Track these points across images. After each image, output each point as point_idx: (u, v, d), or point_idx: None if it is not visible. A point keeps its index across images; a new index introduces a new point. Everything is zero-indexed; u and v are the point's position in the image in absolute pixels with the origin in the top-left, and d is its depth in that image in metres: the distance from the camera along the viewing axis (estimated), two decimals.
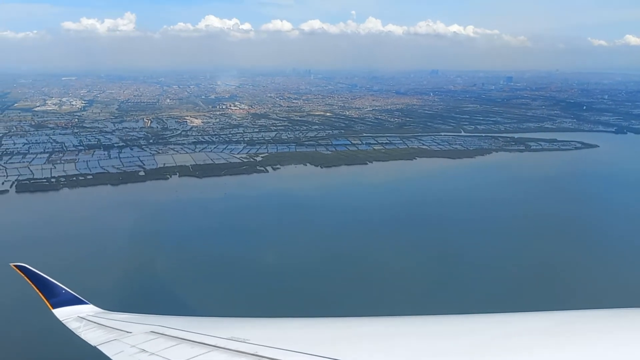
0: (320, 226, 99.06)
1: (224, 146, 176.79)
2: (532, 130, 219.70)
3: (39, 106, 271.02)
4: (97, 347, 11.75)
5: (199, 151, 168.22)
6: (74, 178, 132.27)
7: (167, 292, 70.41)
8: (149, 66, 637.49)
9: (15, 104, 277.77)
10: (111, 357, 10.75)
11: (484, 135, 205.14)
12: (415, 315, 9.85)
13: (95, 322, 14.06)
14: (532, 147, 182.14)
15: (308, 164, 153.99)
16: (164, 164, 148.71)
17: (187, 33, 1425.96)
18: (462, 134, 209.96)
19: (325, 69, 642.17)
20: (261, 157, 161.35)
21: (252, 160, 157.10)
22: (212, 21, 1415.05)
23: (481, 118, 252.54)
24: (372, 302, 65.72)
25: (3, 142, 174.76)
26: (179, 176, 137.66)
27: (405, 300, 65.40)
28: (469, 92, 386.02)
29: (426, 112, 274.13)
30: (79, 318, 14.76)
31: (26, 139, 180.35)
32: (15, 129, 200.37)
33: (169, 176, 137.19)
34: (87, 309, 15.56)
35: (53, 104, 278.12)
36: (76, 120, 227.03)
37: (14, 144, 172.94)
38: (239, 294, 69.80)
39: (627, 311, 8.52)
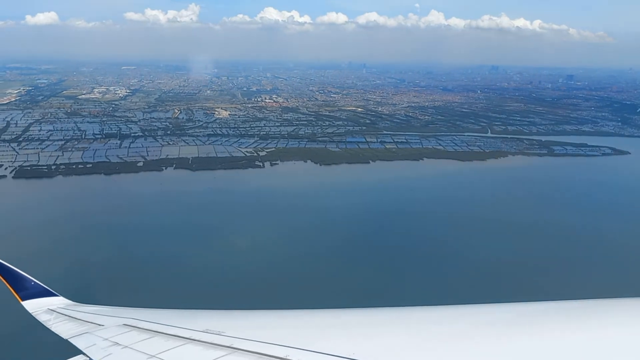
0: (275, 222, 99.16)
1: (236, 139, 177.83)
2: (567, 133, 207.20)
3: (84, 94, 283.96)
4: (69, 340, 11.53)
5: (209, 144, 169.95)
6: (74, 166, 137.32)
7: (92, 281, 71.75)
8: (208, 57, 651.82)
9: (64, 91, 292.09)
10: (83, 350, 10.44)
11: (510, 137, 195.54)
12: (395, 307, 9.63)
13: (65, 315, 13.88)
14: (555, 152, 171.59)
15: (309, 161, 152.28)
16: (167, 155, 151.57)
17: (245, 25, 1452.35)
18: (488, 134, 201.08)
19: (382, 63, 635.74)
20: (266, 152, 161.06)
21: (254, 154, 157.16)
22: (271, 13, 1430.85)
23: (518, 118, 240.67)
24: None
25: (31, 128, 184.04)
26: (175, 168, 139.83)
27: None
28: (521, 90, 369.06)
29: (463, 110, 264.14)
30: (49, 310, 14.58)
31: (53, 126, 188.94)
32: (49, 115, 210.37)
33: (164, 168, 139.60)
34: (57, 301, 15.38)
35: (98, 92, 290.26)
36: (111, 109, 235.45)
37: (40, 130, 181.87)
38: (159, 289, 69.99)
39: (610, 302, 8.38)
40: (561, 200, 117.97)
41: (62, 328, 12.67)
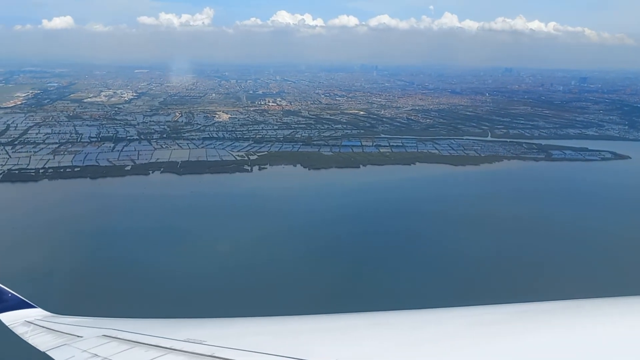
0: (251, 227, 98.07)
1: (230, 143, 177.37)
2: (570, 137, 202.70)
3: (90, 97, 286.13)
4: (46, 352, 11.32)
5: (202, 147, 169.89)
6: (62, 170, 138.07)
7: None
8: (221, 60, 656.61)
9: (71, 95, 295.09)
10: None
11: (509, 140, 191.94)
12: (379, 311, 9.64)
13: (43, 327, 13.54)
14: (552, 156, 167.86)
15: (298, 165, 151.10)
16: (157, 159, 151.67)
17: (257, 28, 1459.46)
18: (488, 138, 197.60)
19: (394, 65, 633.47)
20: (257, 155, 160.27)
21: (245, 158, 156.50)
22: (283, 16, 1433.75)
23: (522, 121, 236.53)
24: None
25: (29, 132, 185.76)
26: (161, 172, 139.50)
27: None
28: (531, 92, 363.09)
29: (467, 113, 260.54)
30: (27, 322, 14.20)
31: (52, 129, 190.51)
32: (50, 119, 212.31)
33: (151, 172, 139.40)
34: (35, 313, 14.98)
35: (105, 96, 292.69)
36: (113, 112, 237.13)
37: (37, 133, 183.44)
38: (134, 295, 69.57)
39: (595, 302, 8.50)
40: (543, 204, 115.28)
41: (39, 340, 12.27)
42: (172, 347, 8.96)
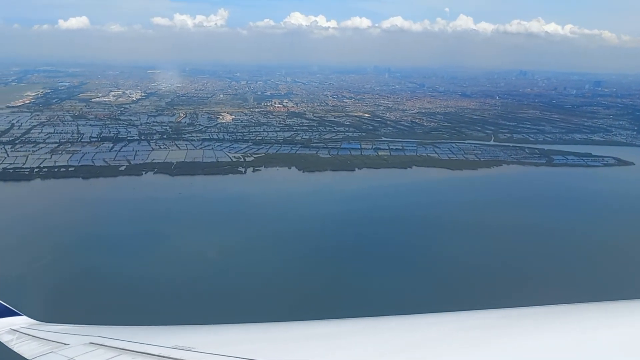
0: (236, 231, 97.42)
1: (229, 144, 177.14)
2: (575, 142, 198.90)
3: (99, 97, 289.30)
4: None
5: (200, 148, 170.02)
6: (56, 169, 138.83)
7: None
8: (234, 61, 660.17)
9: (80, 94, 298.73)
10: None
11: (511, 145, 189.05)
12: (369, 317, 9.63)
13: (29, 335, 13.52)
14: (554, 161, 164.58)
15: (293, 168, 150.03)
16: (153, 159, 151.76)
17: (270, 29, 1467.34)
18: (490, 142, 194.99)
19: (408, 67, 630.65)
20: (253, 157, 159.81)
21: (241, 160, 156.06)
22: (297, 18, 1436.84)
23: (528, 126, 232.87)
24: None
25: (32, 131, 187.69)
26: (155, 173, 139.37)
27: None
28: (542, 96, 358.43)
29: (473, 117, 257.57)
30: (12, 330, 14.14)
31: (54, 129, 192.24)
32: (55, 118, 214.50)
33: (144, 172, 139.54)
34: (21, 321, 14.92)
35: (113, 96, 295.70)
36: (119, 112, 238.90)
37: (40, 133, 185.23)
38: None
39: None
40: (532, 210, 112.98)
41: (25, 348, 12.10)
42: (160, 354, 8.88)
